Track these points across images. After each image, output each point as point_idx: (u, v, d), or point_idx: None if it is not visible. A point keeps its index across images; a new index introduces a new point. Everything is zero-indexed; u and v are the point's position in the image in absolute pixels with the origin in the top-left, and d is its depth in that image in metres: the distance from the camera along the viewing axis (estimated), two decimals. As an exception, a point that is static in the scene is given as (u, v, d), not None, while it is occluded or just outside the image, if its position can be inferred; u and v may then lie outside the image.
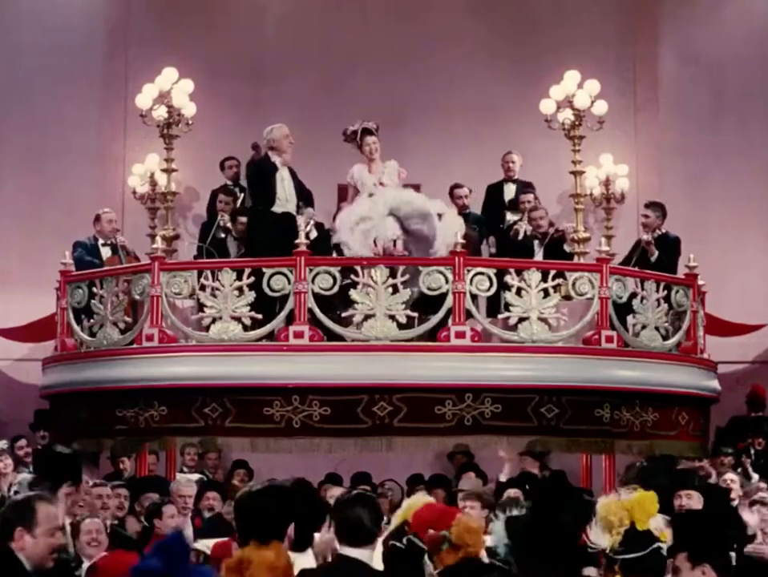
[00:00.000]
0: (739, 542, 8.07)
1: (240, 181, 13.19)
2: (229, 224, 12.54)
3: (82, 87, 14.74)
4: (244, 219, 12.07)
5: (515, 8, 15.21)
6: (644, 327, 10.84)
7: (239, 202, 13.01)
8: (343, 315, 10.37)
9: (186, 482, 10.00)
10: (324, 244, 11.88)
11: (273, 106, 14.67)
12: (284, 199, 11.19)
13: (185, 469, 12.06)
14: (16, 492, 9.74)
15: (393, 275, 10.25)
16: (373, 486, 11.23)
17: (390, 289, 10.23)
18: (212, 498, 10.20)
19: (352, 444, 10.32)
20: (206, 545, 8.46)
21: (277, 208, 11.14)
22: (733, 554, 7.23)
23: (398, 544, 5.60)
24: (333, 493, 10.40)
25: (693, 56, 15.18)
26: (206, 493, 10.22)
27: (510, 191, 13.60)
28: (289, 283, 10.26)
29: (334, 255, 10.97)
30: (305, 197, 11.81)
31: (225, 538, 8.34)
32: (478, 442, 10.54)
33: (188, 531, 9.08)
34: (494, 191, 13.64)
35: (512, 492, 10.30)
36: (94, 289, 10.89)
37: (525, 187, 13.43)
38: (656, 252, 11.82)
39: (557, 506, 4.55)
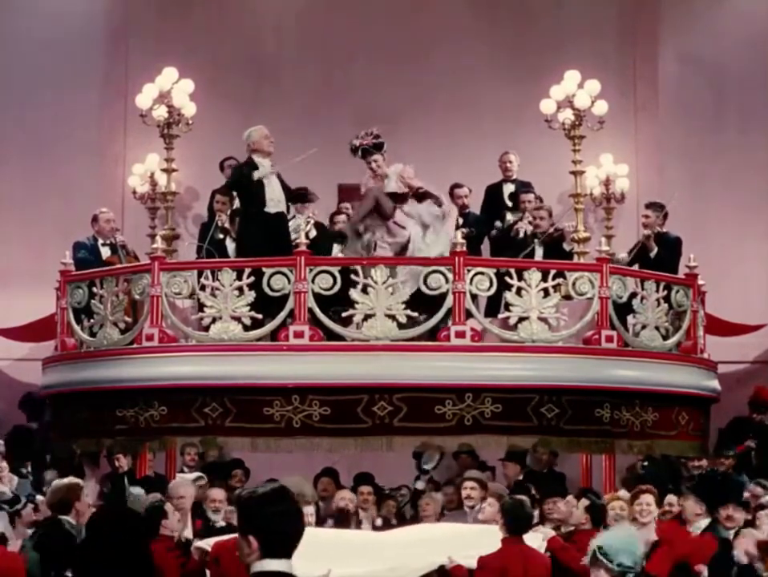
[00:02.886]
0: None
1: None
2: (227, 224, 12.53)
3: (82, 87, 14.75)
4: None
5: (516, 7, 15.22)
6: (644, 327, 10.84)
7: (236, 202, 12.99)
8: (343, 315, 10.38)
9: (182, 481, 10.01)
10: (324, 244, 11.90)
11: (273, 105, 14.69)
12: (276, 199, 11.13)
13: (185, 469, 12.06)
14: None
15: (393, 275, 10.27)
16: (376, 487, 11.24)
17: (390, 289, 10.24)
18: (219, 499, 10.22)
19: (352, 444, 10.31)
20: (207, 543, 8.47)
21: (270, 209, 11.09)
22: None
23: None
24: (344, 495, 10.46)
25: (693, 55, 15.18)
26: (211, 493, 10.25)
27: (509, 191, 13.60)
28: (289, 283, 10.26)
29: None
30: (294, 196, 11.79)
31: (226, 537, 8.36)
32: (478, 442, 10.54)
33: (188, 532, 9.09)
34: (493, 192, 13.64)
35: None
36: (94, 289, 10.88)
37: (524, 186, 13.42)
38: (656, 248, 11.82)
39: None
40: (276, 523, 4.09)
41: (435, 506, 10.68)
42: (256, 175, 10.96)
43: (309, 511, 9.94)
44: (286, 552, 4.10)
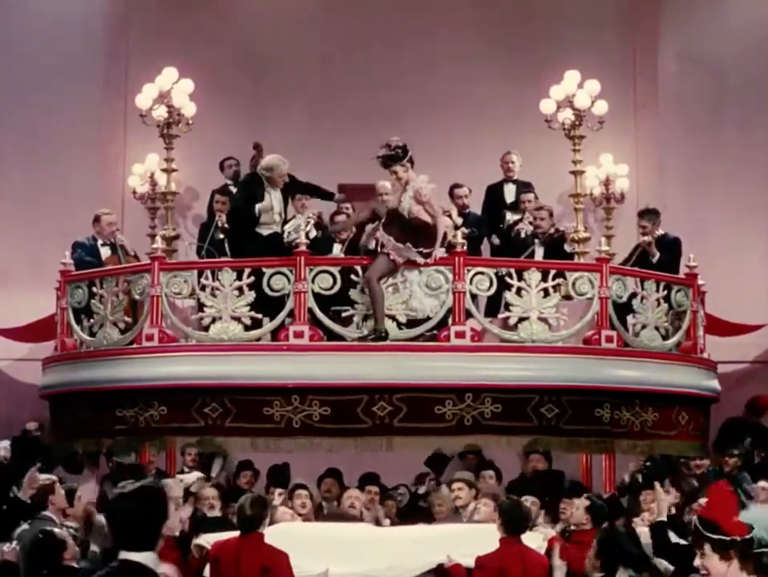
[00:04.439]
0: None
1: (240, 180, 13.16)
2: (227, 225, 12.51)
3: (82, 87, 14.73)
4: None
5: (515, 7, 15.21)
6: (644, 327, 10.85)
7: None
8: (343, 315, 10.39)
9: (174, 482, 10.03)
10: (324, 244, 11.90)
11: (274, 105, 14.69)
12: (272, 221, 11.10)
13: (186, 469, 12.06)
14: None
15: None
16: (382, 487, 11.24)
17: (390, 289, 10.25)
18: (212, 496, 10.22)
19: (352, 444, 10.33)
20: (207, 540, 8.46)
21: (264, 230, 11.05)
22: None
23: None
24: (351, 494, 10.47)
25: (693, 51, 15.16)
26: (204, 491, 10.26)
27: (510, 191, 13.57)
28: (289, 283, 10.27)
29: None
30: (311, 191, 11.80)
31: (226, 537, 8.36)
32: (478, 442, 10.55)
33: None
34: (493, 192, 13.62)
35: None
36: (94, 289, 10.90)
37: (524, 187, 13.41)
38: (658, 254, 11.81)
39: None
40: (133, 518, 4.38)
41: (448, 506, 10.70)
42: (257, 208, 10.94)
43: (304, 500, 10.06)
44: (143, 546, 4.36)
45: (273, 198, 11.10)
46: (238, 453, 11.94)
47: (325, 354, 10.16)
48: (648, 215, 12.02)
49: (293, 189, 11.53)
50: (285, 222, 11.42)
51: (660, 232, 12.01)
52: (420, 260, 10.31)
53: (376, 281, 10.19)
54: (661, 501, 8.78)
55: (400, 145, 10.49)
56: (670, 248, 11.96)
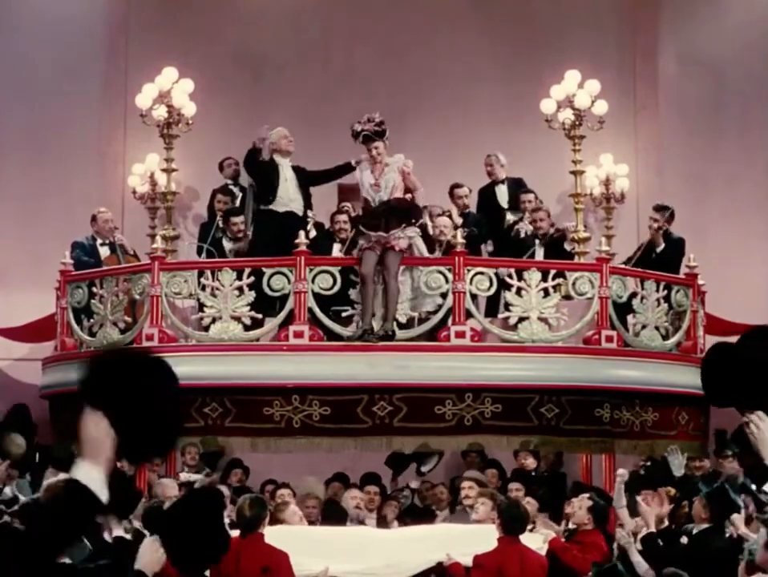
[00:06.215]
0: None
1: (240, 180, 13.18)
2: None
3: (82, 87, 14.73)
4: (236, 219, 12.08)
5: (516, 7, 15.21)
6: (644, 327, 10.86)
7: (237, 201, 13.00)
8: (343, 315, 10.39)
9: (169, 483, 10.05)
10: (324, 244, 11.90)
11: (274, 105, 14.68)
12: (287, 198, 11.17)
13: (186, 468, 12.06)
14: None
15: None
16: (383, 487, 11.24)
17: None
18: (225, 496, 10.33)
19: (352, 444, 10.33)
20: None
21: (280, 207, 11.14)
22: None
23: None
24: (355, 494, 10.49)
25: (694, 54, 15.16)
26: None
27: (502, 191, 13.49)
28: (289, 283, 10.27)
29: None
30: (328, 176, 11.84)
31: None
32: (478, 442, 10.54)
33: None
34: (486, 194, 13.55)
35: (515, 486, 10.48)
36: (94, 289, 10.91)
37: (516, 185, 13.33)
38: (663, 244, 11.85)
39: None
40: None
41: (448, 497, 10.71)
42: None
43: (312, 504, 10.08)
44: None
45: (286, 172, 11.15)
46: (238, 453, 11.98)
47: (325, 354, 10.17)
48: (662, 210, 12.06)
49: (311, 180, 11.54)
50: (306, 210, 11.40)
51: (668, 228, 12.07)
52: (417, 232, 10.35)
53: (395, 280, 10.19)
54: (646, 511, 8.77)
55: (383, 120, 10.57)
56: (674, 245, 11.99)
